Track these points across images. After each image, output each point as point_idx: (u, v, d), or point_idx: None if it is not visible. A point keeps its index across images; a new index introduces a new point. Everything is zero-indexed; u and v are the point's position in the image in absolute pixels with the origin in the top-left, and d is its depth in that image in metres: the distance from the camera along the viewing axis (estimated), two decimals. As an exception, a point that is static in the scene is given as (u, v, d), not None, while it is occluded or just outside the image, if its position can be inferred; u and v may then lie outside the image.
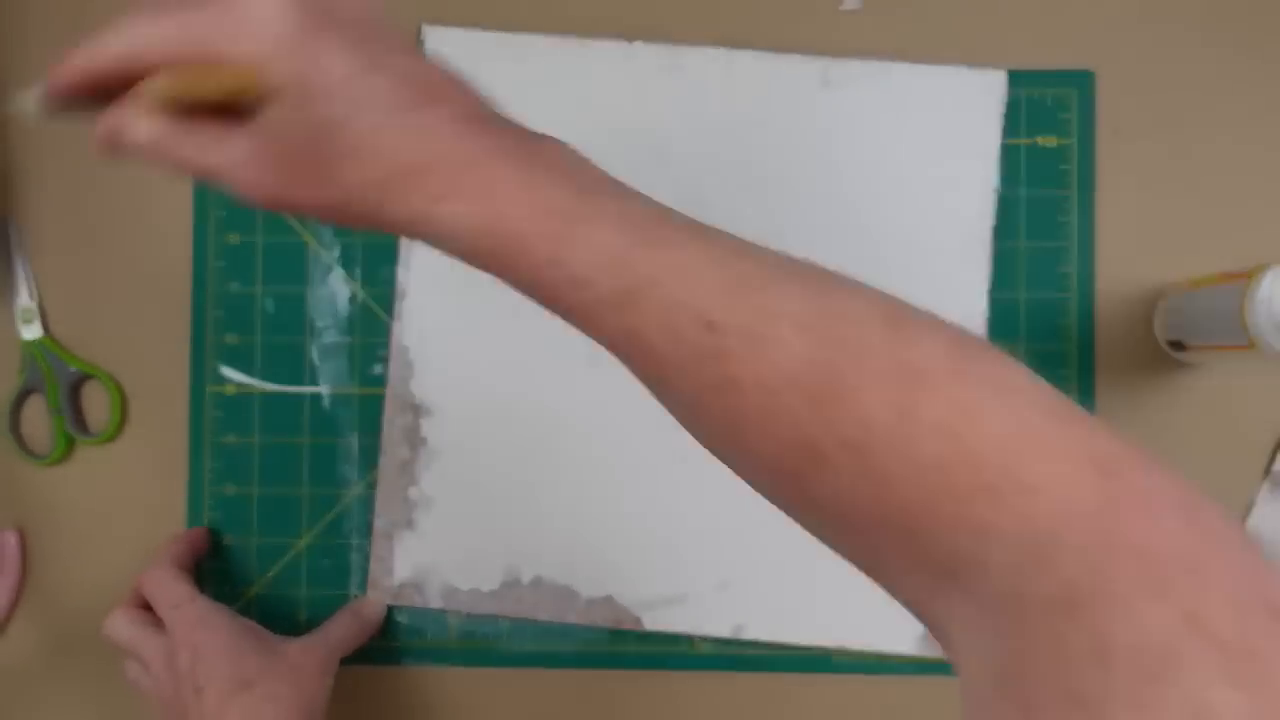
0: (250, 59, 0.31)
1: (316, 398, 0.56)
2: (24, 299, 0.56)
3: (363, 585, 0.55)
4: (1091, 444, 0.25)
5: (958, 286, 0.55)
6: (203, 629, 0.49)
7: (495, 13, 0.56)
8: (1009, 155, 0.55)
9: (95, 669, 0.54)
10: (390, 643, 0.56)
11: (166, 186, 0.56)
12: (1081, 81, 0.55)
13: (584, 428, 0.55)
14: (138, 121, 0.33)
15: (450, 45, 0.56)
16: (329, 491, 0.56)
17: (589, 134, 0.55)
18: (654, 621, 0.55)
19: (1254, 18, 0.55)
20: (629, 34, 0.55)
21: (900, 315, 0.27)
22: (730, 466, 0.30)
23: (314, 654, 0.50)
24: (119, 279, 0.57)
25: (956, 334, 0.27)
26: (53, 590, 0.56)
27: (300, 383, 0.56)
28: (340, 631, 0.53)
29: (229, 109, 0.32)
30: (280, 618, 0.55)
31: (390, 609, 0.55)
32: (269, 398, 0.56)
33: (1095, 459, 0.25)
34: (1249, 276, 0.47)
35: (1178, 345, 0.53)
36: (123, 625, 0.50)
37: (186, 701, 0.47)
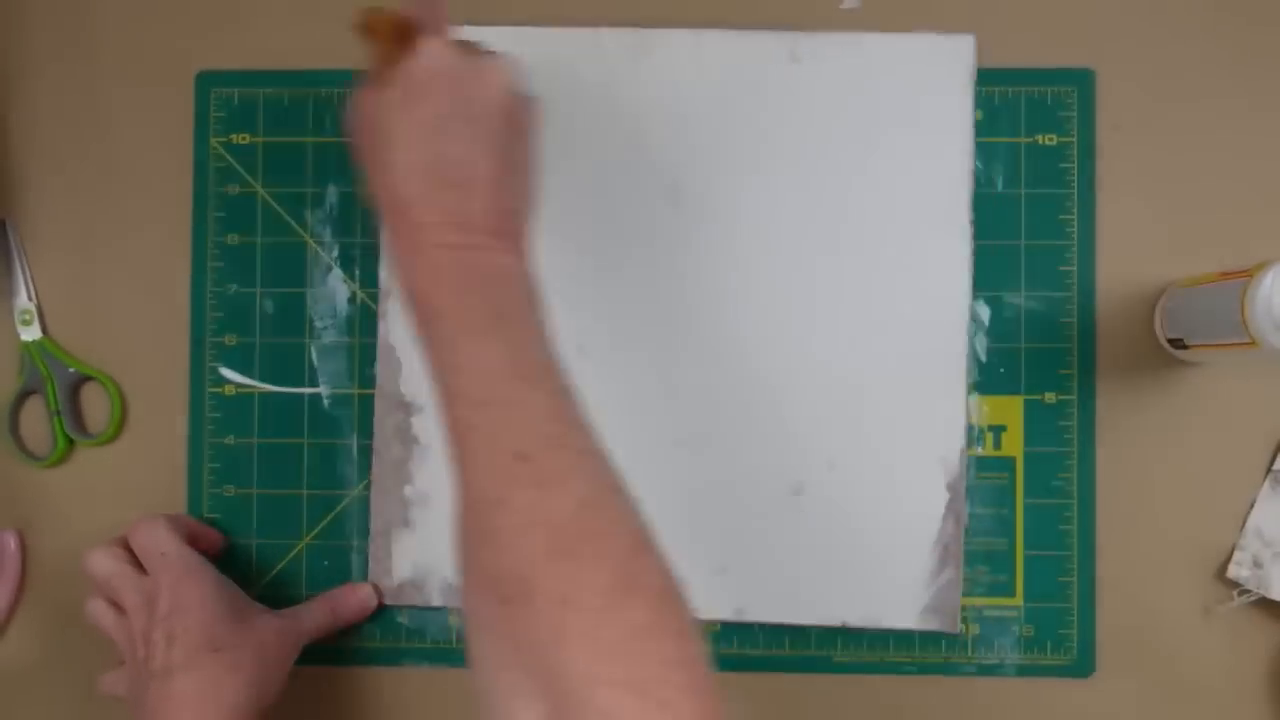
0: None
1: (316, 398, 0.56)
2: (23, 300, 0.56)
3: (363, 586, 0.55)
4: None
5: (939, 256, 0.54)
6: (188, 580, 0.49)
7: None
8: (1009, 153, 0.55)
9: (94, 670, 0.54)
10: (390, 643, 0.56)
11: (165, 188, 0.56)
12: (1082, 79, 0.55)
13: None
14: None
15: None
16: (329, 492, 0.56)
17: (562, 123, 0.55)
18: None
19: (1254, 15, 0.55)
20: (602, 23, 0.55)
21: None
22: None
23: (285, 637, 0.51)
24: (118, 280, 0.57)
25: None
26: (52, 591, 0.56)
27: (300, 383, 0.56)
28: (314, 621, 0.53)
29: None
30: (280, 619, 0.56)
31: (391, 609, 0.55)
32: (268, 398, 0.56)
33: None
34: (1250, 274, 0.47)
35: (1178, 343, 0.53)
36: (106, 559, 0.51)
37: (154, 645, 0.48)
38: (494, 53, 0.42)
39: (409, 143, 0.39)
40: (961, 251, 0.54)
